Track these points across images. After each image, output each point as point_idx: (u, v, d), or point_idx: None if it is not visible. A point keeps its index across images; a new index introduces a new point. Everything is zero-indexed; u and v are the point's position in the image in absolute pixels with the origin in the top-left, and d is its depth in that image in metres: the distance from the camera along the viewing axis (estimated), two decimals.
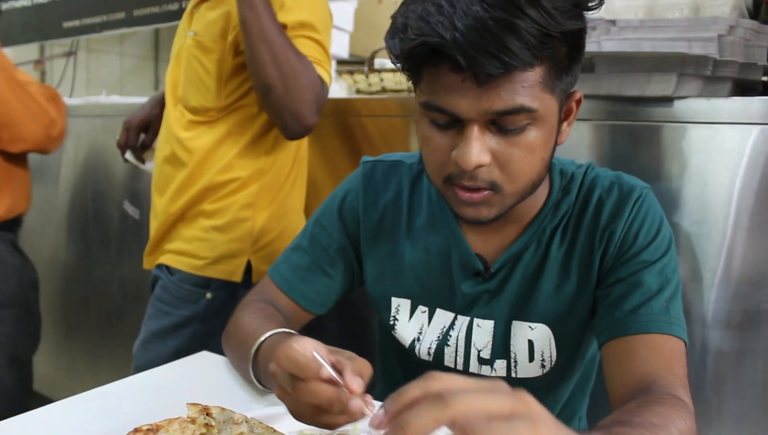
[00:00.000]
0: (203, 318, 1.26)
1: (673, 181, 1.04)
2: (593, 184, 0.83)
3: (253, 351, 0.77)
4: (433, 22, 0.63)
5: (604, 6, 1.27)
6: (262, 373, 0.76)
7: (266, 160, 1.27)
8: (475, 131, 0.68)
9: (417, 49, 0.66)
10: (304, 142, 1.37)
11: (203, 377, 0.87)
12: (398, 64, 0.72)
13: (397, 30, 0.69)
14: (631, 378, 0.72)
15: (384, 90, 1.63)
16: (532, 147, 0.70)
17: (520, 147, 0.70)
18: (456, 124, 0.70)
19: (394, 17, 0.71)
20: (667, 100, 1.02)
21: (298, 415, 0.62)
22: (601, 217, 0.80)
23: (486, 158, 0.69)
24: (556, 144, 0.75)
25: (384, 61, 1.75)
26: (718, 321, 1.02)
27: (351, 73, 1.64)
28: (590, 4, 0.69)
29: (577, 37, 0.69)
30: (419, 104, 0.72)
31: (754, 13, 1.17)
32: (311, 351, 0.58)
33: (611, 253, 0.79)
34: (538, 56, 0.65)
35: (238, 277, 1.27)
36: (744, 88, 1.06)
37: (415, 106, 0.74)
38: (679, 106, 1.02)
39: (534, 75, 0.66)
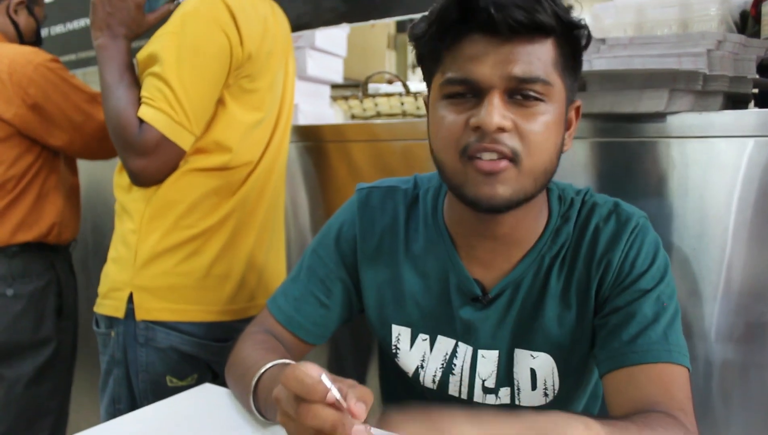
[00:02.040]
0: (116, 361, 1.20)
1: (670, 196, 1.04)
2: (591, 211, 0.83)
3: (254, 382, 0.77)
4: None
5: (593, 24, 1.29)
6: (262, 404, 0.76)
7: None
8: (496, 97, 0.71)
9: (449, 6, 0.72)
10: (242, 168, 1.22)
11: (206, 410, 0.87)
12: (422, 50, 0.78)
13: (423, 18, 0.76)
14: (629, 407, 0.72)
15: (379, 115, 1.64)
16: (547, 125, 0.74)
17: (537, 121, 0.73)
18: (474, 99, 0.73)
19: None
20: (660, 116, 1.03)
21: None
22: (598, 246, 0.81)
23: (508, 122, 0.72)
24: (562, 145, 0.78)
25: (378, 86, 1.77)
26: (721, 335, 1.01)
27: (345, 98, 1.66)
28: (584, 27, 0.76)
29: (578, 39, 0.76)
30: (439, 85, 0.76)
31: (742, 27, 1.18)
32: (319, 374, 0.58)
33: (608, 282, 0.80)
34: (553, 28, 0.71)
35: (120, 313, 1.18)
36: (735, 101, 1.07)
37: (430, 102, 0.79)
38: (672, 121, 1.03)
39: (547, 49, 0.73)
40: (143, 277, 1.17)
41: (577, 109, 0.82)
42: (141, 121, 1.09)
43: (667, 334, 0.75)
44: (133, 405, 1.20)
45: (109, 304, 1.20)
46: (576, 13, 0.77)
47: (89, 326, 1.29)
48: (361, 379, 1.47)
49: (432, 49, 0.76)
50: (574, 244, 0.83)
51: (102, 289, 1.24)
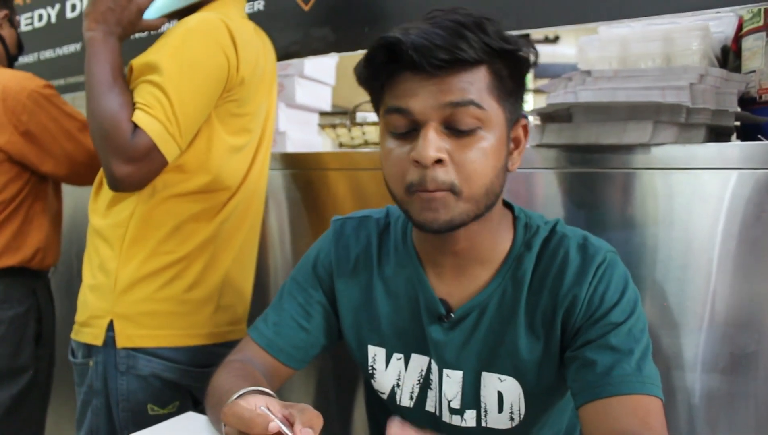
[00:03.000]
0: (95, 391, 1.18)
1: (654, 227, 1.05)
2: (559, 243, 0.84)
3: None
4: (390, 33, 0.75)
5: (579, 57, 1.30)
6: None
7: (128, 205, 1.17)
8: (431, 131, 0.74)
9: (377, 51, 0.76)
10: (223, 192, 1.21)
11: None
12: (363, 81, 0.82)
13: (363, 58, 0.80)
14: None
15: (366, 143, 1.65)
16: (485, 151, 0.76)
17: (473, 148, 0.75)
18: (413, 133, 0.76)
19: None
20: (645, 148, 1.04)
21: None
22: (565, 278, 0.81)
23: (443, 154, 0.74)
24: (507, 168, 0.81)
25: (366, 115, 1.78)
26: (706, 365, 1.02)
27: (334, 126, 1.66)
28: (530, 56, 0.78)
29: (518, 62, 0.77)
30: (382, 116, 0.80)
31: (723, 62, 1.20)
32: (257, 406, 0.58)
33: (576, 316, 0.80)
34: (481, 58, 0.74)
35: (99, 341, 1.16)
36: (718, 133, 1.08)
37: (379, 129, 0.81)
38: (656, 152, 1.04)
39: (480, 77, 0.75)
40: (123, 304, 1.15)
41: (524, 127, 0.84)
42: (134, 126, 1.07)
43: (641, 367, 0.76)
44: None
45: (88, 331, 1.18)
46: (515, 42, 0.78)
47: (66, 355, 1.27)
48: (345, 405, 1.45)
49: (372, 87, 0.81)
50: (540, 274, 0.84)
51: (80, 317, 1.22)
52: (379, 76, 0.78)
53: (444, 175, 0.75)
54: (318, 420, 0.60)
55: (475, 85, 0.74)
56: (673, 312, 1.03)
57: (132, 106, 1.09)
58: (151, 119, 1.07)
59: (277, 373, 0.95)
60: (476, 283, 0.86)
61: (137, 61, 1.13)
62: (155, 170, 1.12)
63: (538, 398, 0.85)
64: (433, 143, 0.74)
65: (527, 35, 0.80)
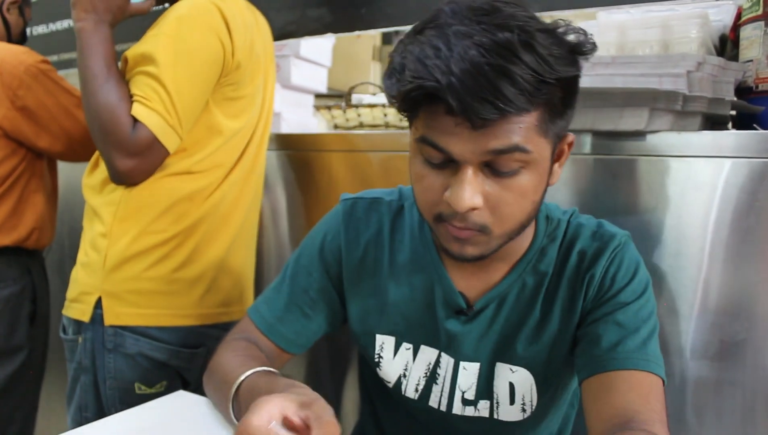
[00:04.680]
0: (84, 368, 1.19)
1: (648, 214, 1.05)
2: (576, 233, 0.84)
3: (233, 390, 0.76)
4: (429, 66, 0.63)
5: None
6: (242, 412, 0.75)
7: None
8: (469, 174, 0.68)
9: (413, 93, 0.65)
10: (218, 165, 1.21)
11: (176, 419, 0.85)
12: (395, 103, 0.71)
13: (394, 71, 0.69)
14: (609, 413, 0.72)
15: (362, 125, 1.64)
16: (525, 190, 0.70)
17: (512, 190, 0.70)
18: (450, 164, 0.70)
19: (391, 56, 0.70)
20: (640, 135, 1.04)
21: None
22: (583, 264, 0.82)
23: (479, 201, 0.69)
24: (547, 186, 0.76)
25: (361, 97, 1.77)
26: (696, 352, 1.02)
27: (329, 108, 1.65)
28: (584, 49, 0.69)
29: (572, 83, 0.70)
30: (415, 140, 0.72)
31: (721, 50, 1.20)
32: (268, 422, 0.57)
33: (591, 296, 0.81)
34: (533, 102, 0.65)
35: (86, 317, 1.16)
36: (713, 122, 1.08)
37: (410, 142, 0.74)
38: (651, 139, 1.04)
39: (530, 118, 0.66)
40: (112, 282, 1.15)
41: (570, 143, 0.78)
42: (134, 120, 1.07)
43: (646, 345, 0.76)
44: (101, 413, 1.18)
45: (77, 307, 1.18)
46: (576, 37, 0.68)
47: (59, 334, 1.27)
48: (339, 390, 1.46)
49: (404, 109, 0.71)
50: (559, 264, 0.83)
51: (71, 293, 1.21)
52: (414, 111, 0.70)
53: (477, 217, 0.70)
54: (335, 429, 0.59)
55: (523, 127, 0.66)
56: (665, 299, 1.03)
57: (130, 98, 1.08)
58: (150, 112, 1.06)
59: (277, 357, 0.92)
60: (496, 275, 0.84)
61: (132, 52, 1.12)
62: (158, 162, 1.12)
63: (550, 385, 0.85)
64: (471, 190, 0.68)
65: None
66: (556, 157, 0.76)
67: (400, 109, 0.72)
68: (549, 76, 0.64)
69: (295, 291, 0.92)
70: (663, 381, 0.76)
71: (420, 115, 0.70)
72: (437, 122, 0.67)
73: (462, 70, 0.62)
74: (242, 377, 0.76)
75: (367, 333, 0.91)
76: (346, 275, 0.91)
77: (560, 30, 0.68)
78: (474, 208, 0.69)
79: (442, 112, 0.66)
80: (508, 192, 0.70)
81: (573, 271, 0.82)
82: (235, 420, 0.77)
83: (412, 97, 0.66)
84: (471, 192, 0.68)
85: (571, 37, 0.68)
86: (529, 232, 0.84)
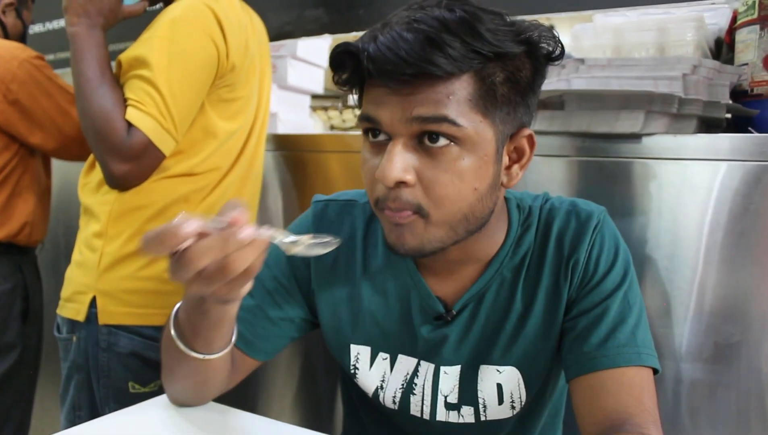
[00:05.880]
0: (78, 366, 1.18)
1: (643, 216, 1.05)
2: (550, 216, 0.82)
3: (173, 314, 0.75)
4: (362, 38, 0.67)
5: (572, 45, 1.30)
6: (186, 338, 0.73)
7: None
8: (398, 146, 0.67)
9: (339, 57, 0.68)
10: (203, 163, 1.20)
11: (169, 419, 0.84)
12: (339, 85, 0.73)
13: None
14: (602, 416, 0.71)
15: (358, 126, 1.64)
16: (461, 172, 0.68)
17: (446, 170, 0.67)
18: (386, 144, 0.69)
19: None
20: (636, 137, 1.04)
21: (227, 291, 0.59)
22: (564, 249, 0.79)
23: (408, 175, 0.67)
24: (501, 184, 0.73)
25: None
26: (691, 354, 1.02)
27: (325, 109, 1.65)
28: (535, 39, 0.69)
29: (515, 64, 0.68)
30: (358, 123, 0.73)
31: (716, 54, 1.20)
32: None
33: (576, 283, 0.79)
34: (461, 68, 0.64)
35: (81, 317, 1.16)
36: (709, 125, 1.09)
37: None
38: (647, 142, 1.04)
39: (460, 89, 0.65)
40: (106, 281, 1.15)
41: (529, 137, 0.74)
42: (128, 124, 1.06)
43: (635, 334, 0.75)
44: (95, 412, 1.17)
45: (71, 306, 1.18)
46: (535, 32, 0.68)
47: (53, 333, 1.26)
48: (335, 391, 1.45)
49: (342, 81, 0.72)
50: (537, 252, 0.81)
51: (65, 292, 1.21)
52: (349, 81, 0.70)
53: (409, 195, 0.68)
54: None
55: (453, 96, 0.65)
56: (659, 300, 1.04)
57: (124, 103, 1.07)
58: (144, 116, 1.06)
59: (243, 362, 0.86)
60: (472, 275, 0.81)
61: (125, 56, 1.11)
62: (153, 166, 1.11)
63: (538, 379, 0.83)
64: (398, 162, 0.66)
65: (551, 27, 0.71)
66: (517, 155, 0.74)
67: (338, 83, 0.72)
68: (481, 48, 0.64)
69: (260, 293, 0.86)
70: (655, 370, 0.75)
71: (363, 93, 0.72)
72: (371, 95, 0.69)
73: (387, 38, 0.64)
74: (175, 309, 0.74)
75: (340, 344, 0.88)
76: (316, 281, 0.87)
77: (524, 27, 0.68)
78: (402, 182, 0.67)
79: (375, 85, 0.68)
80: (442, 172, 0.67)
81: (554, 257, 0.80)
82: (183, 347, 0.73)
83: (337, 64, 0.69)
84: (399, 164, 0.66)
85: (533, 35, 0.68)
86: (502, 227, 0.81)
